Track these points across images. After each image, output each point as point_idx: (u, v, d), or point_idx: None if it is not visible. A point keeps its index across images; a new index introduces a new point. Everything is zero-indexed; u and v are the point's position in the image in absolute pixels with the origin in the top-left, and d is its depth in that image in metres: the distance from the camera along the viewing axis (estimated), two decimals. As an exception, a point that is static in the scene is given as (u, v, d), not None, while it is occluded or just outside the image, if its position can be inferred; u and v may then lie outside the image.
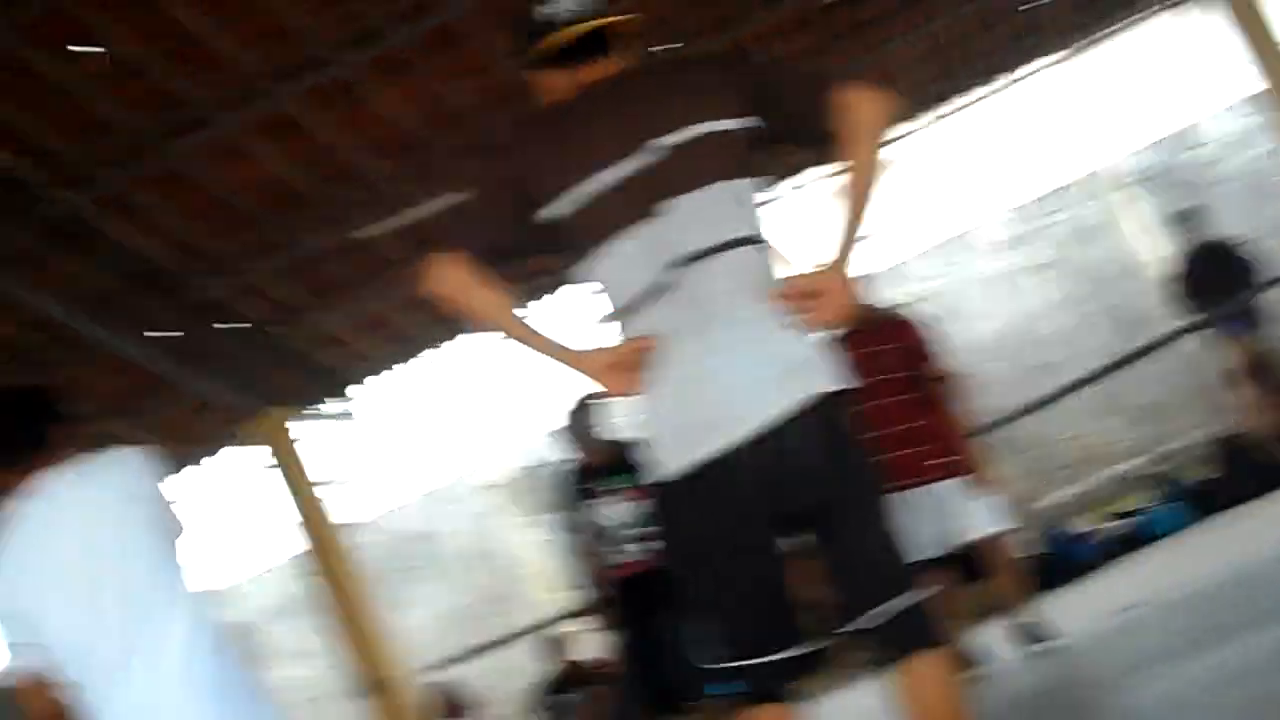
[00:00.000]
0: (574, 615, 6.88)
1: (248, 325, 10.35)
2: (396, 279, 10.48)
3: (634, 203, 2.76)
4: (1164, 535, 9.29)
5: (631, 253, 2.76)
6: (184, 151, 8.10)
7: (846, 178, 2.77)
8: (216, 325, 10.02)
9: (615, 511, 6.40)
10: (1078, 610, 7.28)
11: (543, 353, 2.86)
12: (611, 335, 2.86)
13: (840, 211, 2.77)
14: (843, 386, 2.79)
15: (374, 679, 10.58)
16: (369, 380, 11.93)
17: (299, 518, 10.81)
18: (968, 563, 7.52)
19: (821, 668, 2.82)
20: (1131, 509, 9.97)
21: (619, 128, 2.80)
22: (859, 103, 2.76)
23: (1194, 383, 12.92)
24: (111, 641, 3.16)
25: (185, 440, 11.55)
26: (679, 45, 8.85)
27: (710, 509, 2.72)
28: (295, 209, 9.31)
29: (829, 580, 2.79)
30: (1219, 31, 10.20)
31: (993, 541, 6.49)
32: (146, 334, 9.34)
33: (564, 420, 6.52)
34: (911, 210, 19.20)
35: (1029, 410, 11.79)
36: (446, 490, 15.10)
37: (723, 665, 2.77)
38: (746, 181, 2.84)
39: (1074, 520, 11.82)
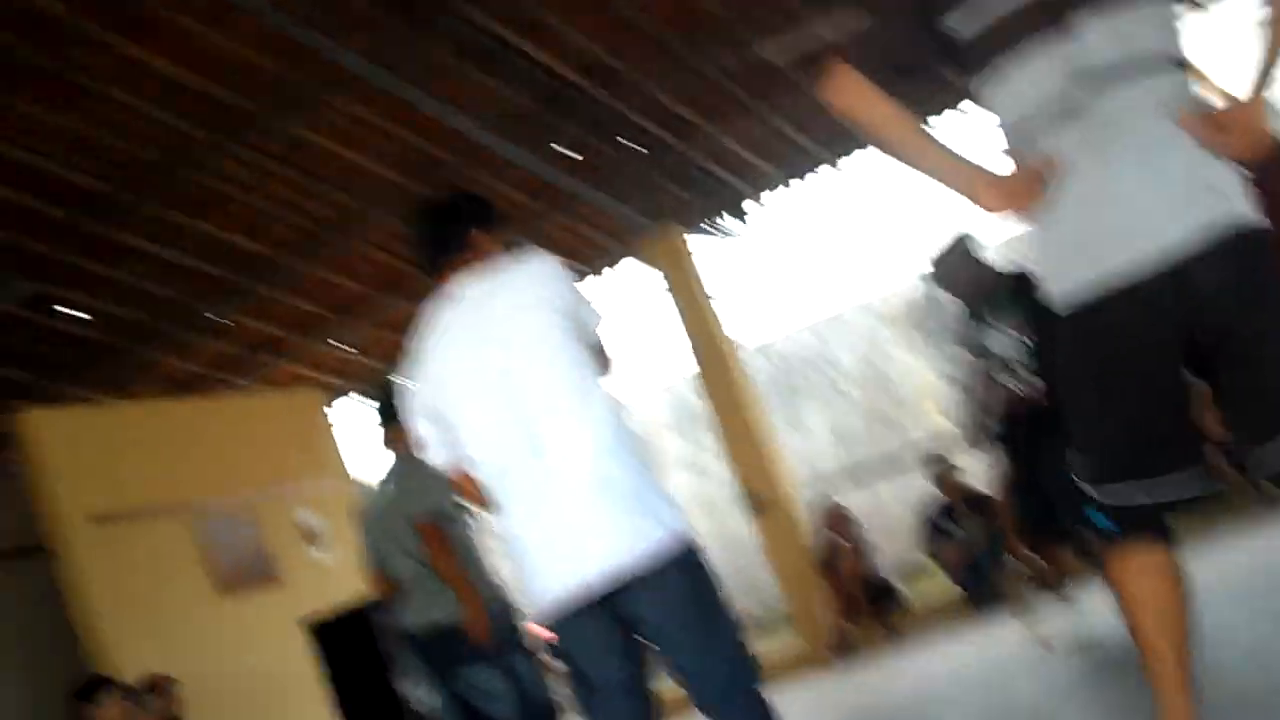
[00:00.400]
0: (963, 444, 6.77)
1: (647, 143, 10.49)
2: (795, 97, 10.38)
3: (1047, 11, 2.60)
4: None
5: (1040, 67, 2.62)
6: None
7: (1273, 7, 2.57)
8: (618, 140, 10.20)
9: (1005, 342, 6.22)
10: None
11: (938, 170, 2.74)
12: (1010, 163, 2.72)
13: (1264, 41, 2.57)
14: (1261, 222, 2.59)
15: (762, 494, 10.79)
16: (765, 197, 11.92)
17: (693, 335, 10.99)
18: None
19: (1210, 495, 2.69)
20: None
21: None
22: None
23: None
24: (526, 439, 3.26)
25: (585, 254, 11.90)
26: None
27: (1111, 334, 2.60)
28: (698, 28, 9.31)
29: (1235, 414, 2.62)
30: None
31: None
32: (552, 147, 9.58)
33: (947, 250, 6.29)
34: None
35: None
36: (838, 315, 15.09)
37: (1108, 484, 2.70)
38: (1166, 2, 2.64)
39: None
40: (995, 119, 2.75)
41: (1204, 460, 2.67)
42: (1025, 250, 2.71)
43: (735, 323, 11.56)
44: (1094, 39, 2.58)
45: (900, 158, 2.80)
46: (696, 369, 11.26)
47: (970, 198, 2.71)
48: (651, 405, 15.09)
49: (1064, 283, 2.65)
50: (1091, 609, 6.40)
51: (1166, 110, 2.58)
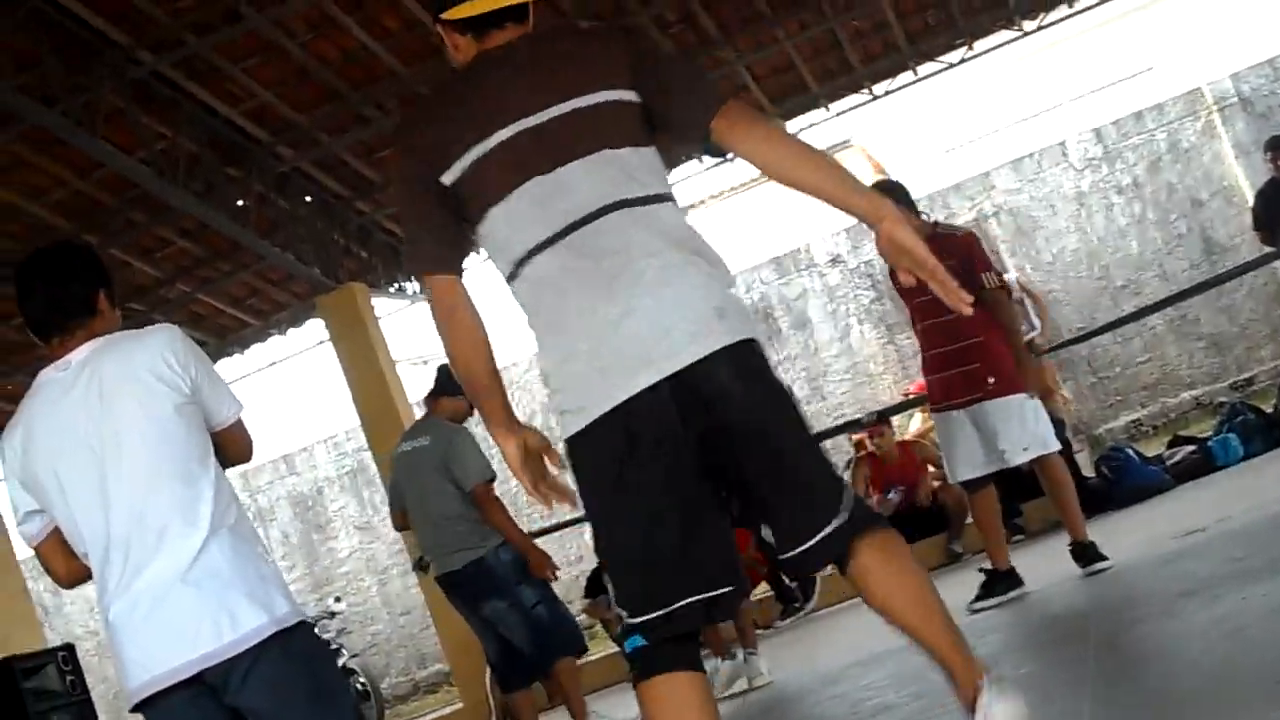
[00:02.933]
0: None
1: (327, 199, 10.39)
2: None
3: (525, 163, 2.73)
4: (1232, 463, 9.14)
5: (524, 209, 2.74)
6: (272, 18, 8.09)
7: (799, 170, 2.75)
8: (296, 197, 10.06)
9: None
10: (1138, 533, 7.22)
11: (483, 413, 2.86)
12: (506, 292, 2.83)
13: (826, 180, 2.75)
14: (753, 336, 2.75)
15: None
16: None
17: (363, 394, 10.76)
18: (1019, 480, 7.52)
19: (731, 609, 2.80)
20: (1202, 435, 9.81)
21: (511, 92, 2.77)
22: (744, 121, 2.76)
23: (1275, 311, 12.72)
24: (121, 520, 3.12)
25: (260, 310, 11.68)
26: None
27: (631, 451, 2.66)
28: (375, 83, 9.30)
29: (774, 521, 2.75)
30: None
31: (1043, 461, 6.46)
32: (230, 201, 9.37)
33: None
34: (999, 122, 18.93)
35: (1107, 328, 11.66)
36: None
37: (637, 616, 2.73)
38: (640, 149, 2.79)
39: (1144, 443, 11.72)
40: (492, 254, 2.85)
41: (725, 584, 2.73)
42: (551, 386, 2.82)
43: (411, 383, 11.43)
44: (571, 184, 2.71)
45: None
46: (365, 431, 11.09)
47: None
48: (323, 464, 14.81)
49: (582, 407, 2.69)
50: None
51: (662, 242, 2.71)
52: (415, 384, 11.06)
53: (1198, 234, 13.09)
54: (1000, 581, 6.35)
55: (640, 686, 2.73)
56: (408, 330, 22.30)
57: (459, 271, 2.84)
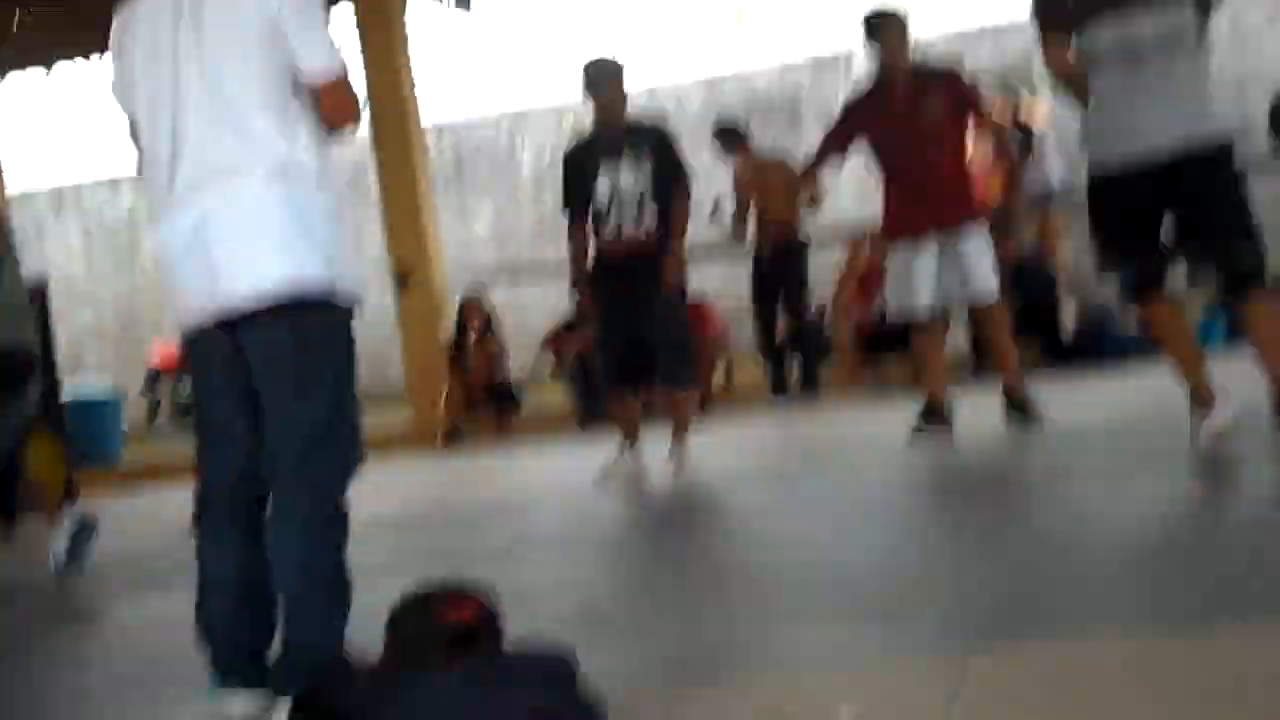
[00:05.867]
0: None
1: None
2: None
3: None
4: (1212, 343, 9.15)
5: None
6: None
7: None
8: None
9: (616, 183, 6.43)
10: (1087, 398, 7.24)
11: None
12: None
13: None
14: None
15: (409, 268, 10.71)
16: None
17: (378, 100, 10.62)
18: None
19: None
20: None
21: None
22: None
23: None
24: (186, 138, 3.10)
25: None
26: None
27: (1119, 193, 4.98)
28: None
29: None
30: None
31: (989, 309, 6.54)
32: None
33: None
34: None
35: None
36: (525, 112, 15.01)
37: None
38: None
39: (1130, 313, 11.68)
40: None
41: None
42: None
43: (424, 96, 11.30)
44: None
45: None
46: (372, 136, 10.99)
47: None
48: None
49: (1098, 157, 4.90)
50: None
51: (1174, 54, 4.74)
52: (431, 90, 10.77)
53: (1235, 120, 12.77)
54: (938, 413, 6.44)
55: None
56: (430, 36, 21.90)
57: None
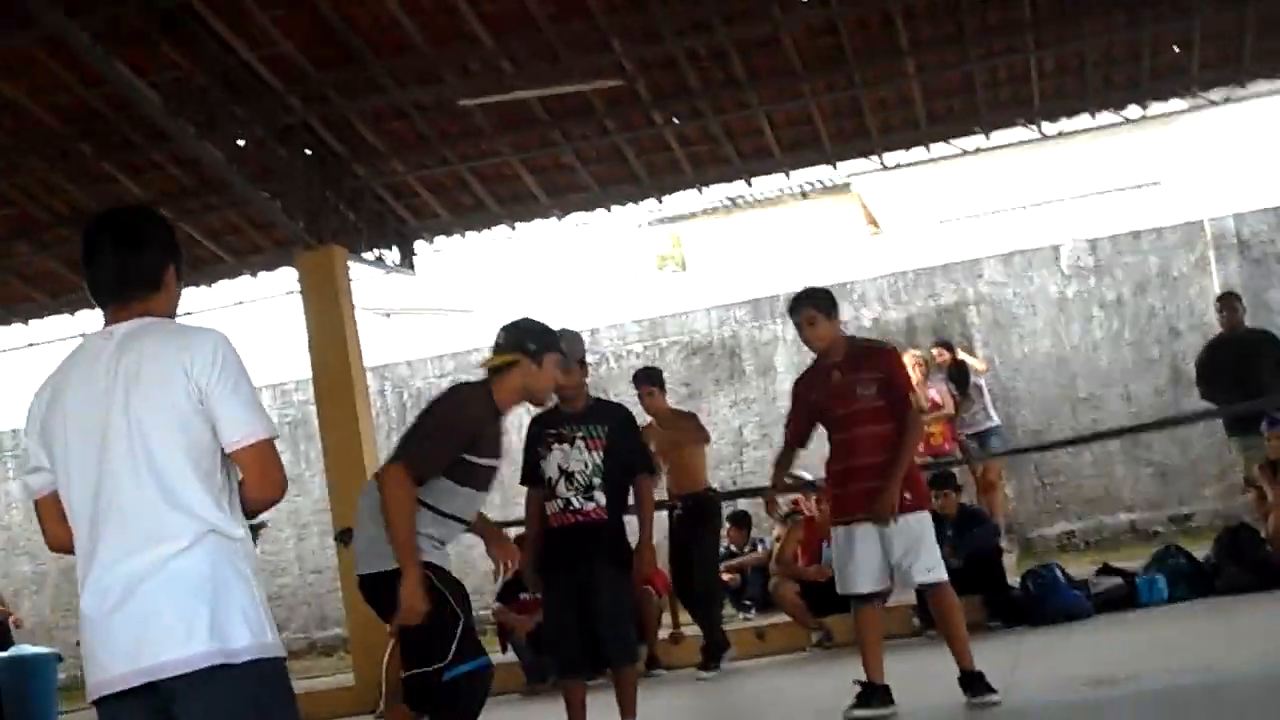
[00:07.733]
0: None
1: (326, 155, 10.31)
2: (485, 148, 10.48)
3: None
4: (1156, 603, 9.20)
5: None
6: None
7: None
8: (296, 148, 9.97)
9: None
10: (1050, 666, 7.23)
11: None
12: None
13: None
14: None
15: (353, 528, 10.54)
16: (439, 241, 12.01)
17: (321, 353, 10.59)
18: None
19: None
20: (1130, 570, 9.83)
21: None
22: None
23: (1227, 455, 12.75)
24: (109, 505, 3.04)
25: (236, 249, 11.58)
26: None
27: None
28: (397, 57, 9.28)
29: None
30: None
31: (940, 588, 6.48)
32: (231, 141, 9.30)
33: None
34: (999, 204, 18.95)
35: (1062, 444, 11.72)
36: (469, 358, 15.12)
37: None
38: None
39: (1073, 555, 11.80)
40: None
41: None
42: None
43: (368, 343, 11.31)
44: None
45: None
46: (315, 388, 10.95)
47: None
48: (266, 408, 14.65)
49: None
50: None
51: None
52: (374, 335, 10.83)
53: (1168, 362, 13.16)
54: (876, 695, 6.34)
55: None
56: (376, 284, 22.21)
57: None
